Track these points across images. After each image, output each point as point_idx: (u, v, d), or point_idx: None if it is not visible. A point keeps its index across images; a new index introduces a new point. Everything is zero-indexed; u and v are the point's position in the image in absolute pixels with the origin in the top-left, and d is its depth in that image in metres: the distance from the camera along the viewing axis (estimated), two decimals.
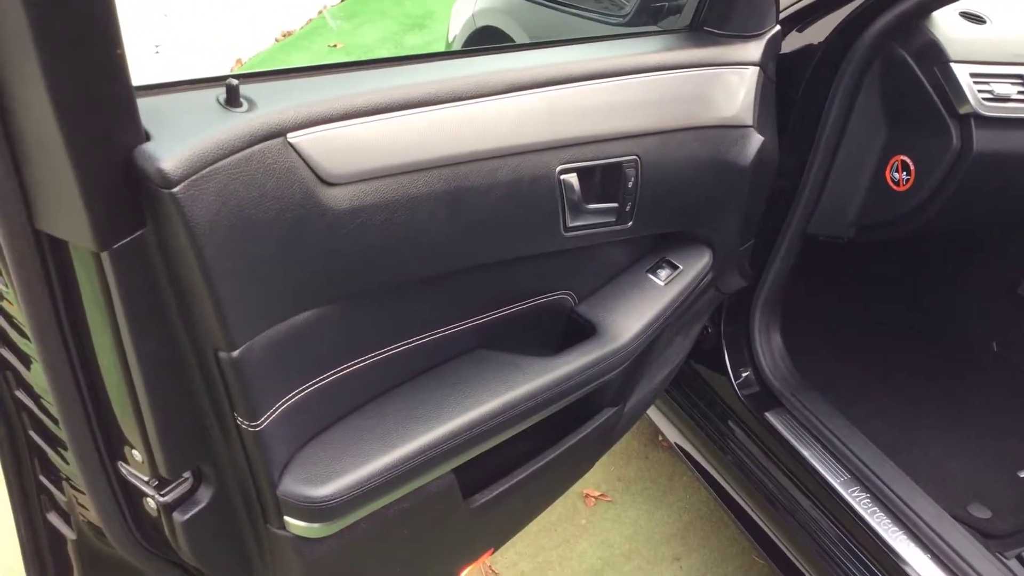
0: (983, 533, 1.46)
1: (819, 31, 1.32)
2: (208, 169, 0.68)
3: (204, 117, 0.72)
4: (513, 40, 1.77)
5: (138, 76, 0.63)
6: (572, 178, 0.99)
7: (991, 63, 1.33)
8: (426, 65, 0.92)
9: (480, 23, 1.96)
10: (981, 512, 1.52)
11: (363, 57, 4.20)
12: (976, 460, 1.62)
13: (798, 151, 1.40)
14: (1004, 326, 1.88)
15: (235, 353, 0.75)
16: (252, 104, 0.75)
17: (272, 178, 0.74)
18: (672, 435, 1.71)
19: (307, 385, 0.87)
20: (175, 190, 0.66)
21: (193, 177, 0.67)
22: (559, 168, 0.97)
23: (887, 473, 1.40)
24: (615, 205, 1.05)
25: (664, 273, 1.19)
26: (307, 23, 4.66)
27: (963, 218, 1.54)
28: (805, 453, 1.44)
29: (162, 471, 0.79)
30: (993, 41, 1.34)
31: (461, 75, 0.90)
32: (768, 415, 1.49)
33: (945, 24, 1.33)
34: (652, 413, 1.75)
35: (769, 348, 1.54)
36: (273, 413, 0.82)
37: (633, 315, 1.13)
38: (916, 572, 1.25)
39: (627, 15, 1.20)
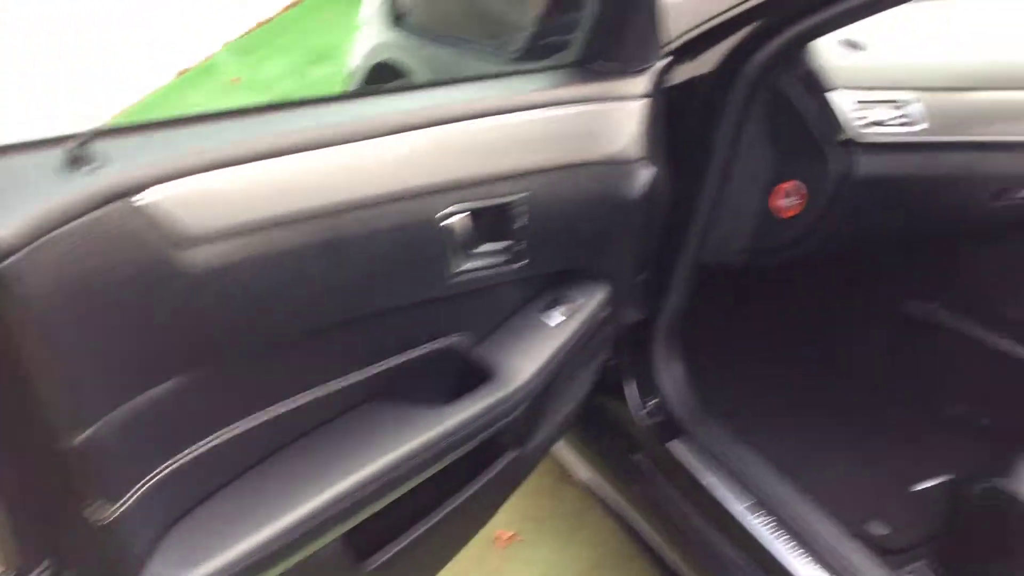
0: (882, 549, 1.49)
1: (707, 62, 1.34)
2: (43, 239, 0.63)
3: (43, 181, 0.66)
4: (410, 74, 1.75)
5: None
6: (459, 221, 0.96)
7: (869, 89, 1.36)
8: (304, 110, 0.89)
9: (380, 57, 1.93)
10: (879, 529, 1.55)
11: (265, 91, 4.12)
12: (873, 478, 1.66)
13: (690, 180, 1.41)
14: (893, 344, 1.94)
15: (80, 437, 0.69)
16: (104, 162, 0.70)
17: (121, 243, 0.68)
18: (581, 470, 1.69)
19: (174, 460, 0.81)
20: (3, 264, 0.60)
21: (26, 249, 0.62)
22: (445, 211, 0.94)
23: (789, 496, 1.41)
24: (506, 245, 1.03)
25: (560, 310, 1.17)
26: (206, 59, 4.55)
27: (850, 241, 1.58)
28: (709, 481, 1.44)
29: (14, 560, 0.72)
30: (871, 68, 1.38)
31: (338, 119, 0.87)
32: (672, 445, 1.49)
33: (825, 52, 1.37)
34: (560, 449, 1.73)
35: (671, 377, 1.54)
36: (131, 498, 0.76)
37: (529, 356, 1.11)
38: None
39: (518, 51, 1.19)
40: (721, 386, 1.72)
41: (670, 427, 1.52)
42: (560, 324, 1.16)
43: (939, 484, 1.65)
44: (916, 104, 1.37)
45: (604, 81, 1.15)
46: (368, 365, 0.99)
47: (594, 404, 1.61)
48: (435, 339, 1.06)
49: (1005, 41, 1.55)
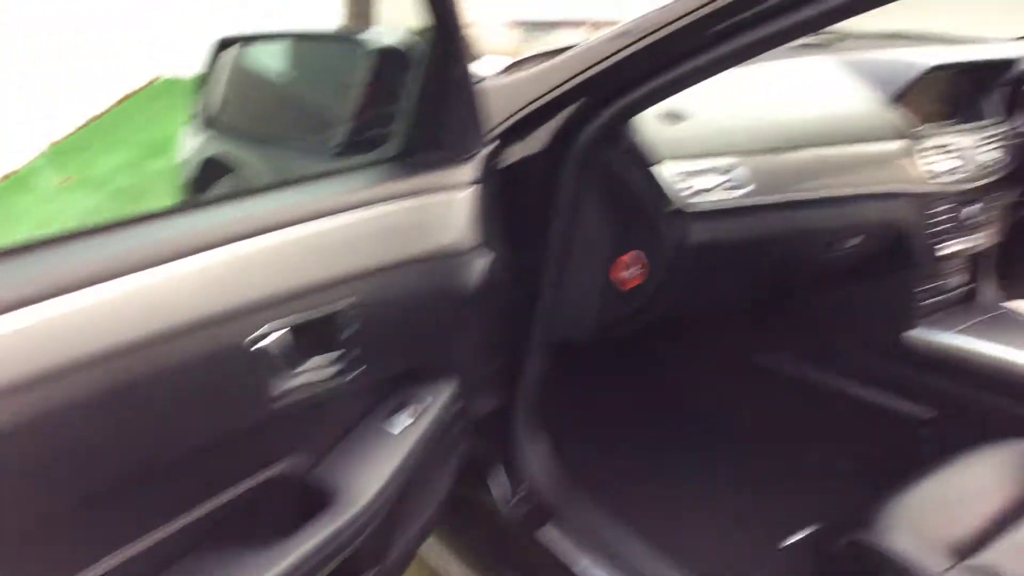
0: None
1: (536, 142, 1.34)
2: None
3: None
4: (239, 168, 1.68)
5: None
6: (280, 338, 0.89)
7: (693, 158, 1.40)
8: (84, 241, 0.80)
9: (205, 153, 1.86)
10: None
11: (101, 187, 3.91)
12: (743, 537, 1.66)
13: (531, 261, 1.40)
14: (748, 396, 1.99)
15: None
16: None
17: None
18: (453, 569, 1.62)
19: None
20: None
21: None
22: (258, 334, 0.87)
23: (662, 570, 1.39)
24: (337, 356, 0.96)
25: (405, 415, 1.11)
26: (32, 160, 4.30)
27: (694, 305, 1.61)
28: (582, 566, 1.40)
29: None
30: (693, 137, 1.42)
31: (126, 245, 0.79)
32: (543, 532, 1.44)
33: (648, 126, 1.39)
34: (431, 548, 1.65)
35: (536, 461, 1.50)
36: None
37: (373, 471, 1.04)
38: None
39: (337, 147, 1.15)
40: (588, 462, 1.70)
41: (539, 513, 1.48)
42: (406, 429, 1.09)
43: (806, 537, 1.67)
44: (740, 169, 1.42)
45: (429, 172, 1.12)
46: (190, 509, 0.89)
47: (461, 497, 1.55)
48: (265, 467, 0.97)
49: (819, 99, 1.64)
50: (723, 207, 1.40)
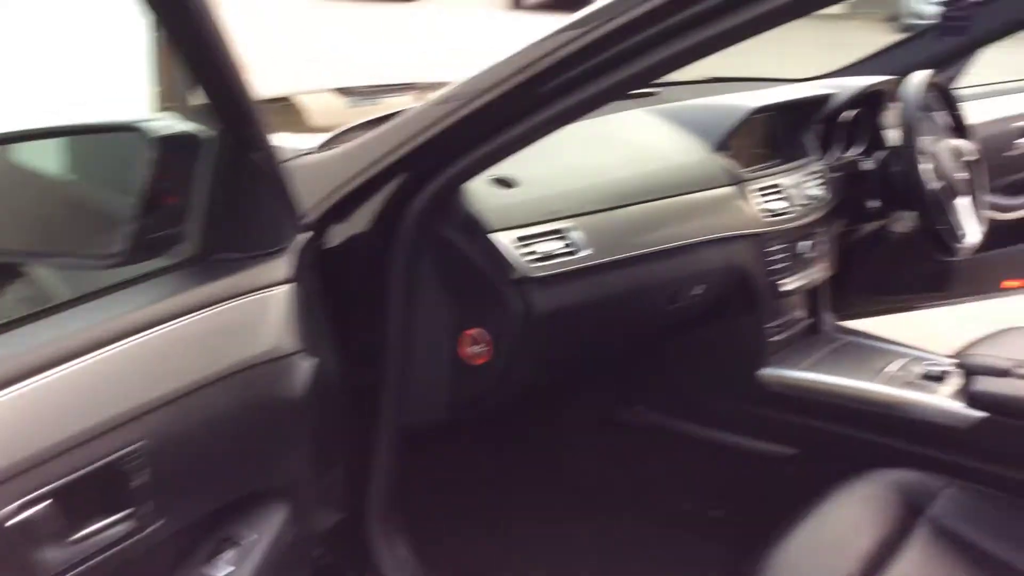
0: None
1: (362, 220, 1.24)
2: None
3: None
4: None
5: None
6: (41, 510, 0.73)
7: (530, 224, 1.33)
8: None
9: None
10: None
11: None
12: None
13: (371, 348, 1.29)
14: (614, 453, 1.94)
15: None
16: None
17: None
18: None
19: None
20: None
21: None
22: (11, 507, 0.71)
23: None
24: (127, 513, 0.81)
25: (229, 557, 0.96)
26: None
27: (551, 372, 1.55)
28: None
29: None
30: (527, 202, 1.36)
31: None
32: None
33: (479, 195, 1.32)
34: None
35: (395, 563, 1.38)
36: None
37: None
38: None
39: (119, 254, 0.99)
40: (453, 546, 1.60)
41: None
42: (234, 573, 0.94)
43: None
44: (576, 231, 1.37)
45: (231, 275, 0.98)
46: None
47: None
48: None
49: (646, 152, 1.63)
50: (565, 270, 1.34)
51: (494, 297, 1.31)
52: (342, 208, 1.23)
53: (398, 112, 1.22)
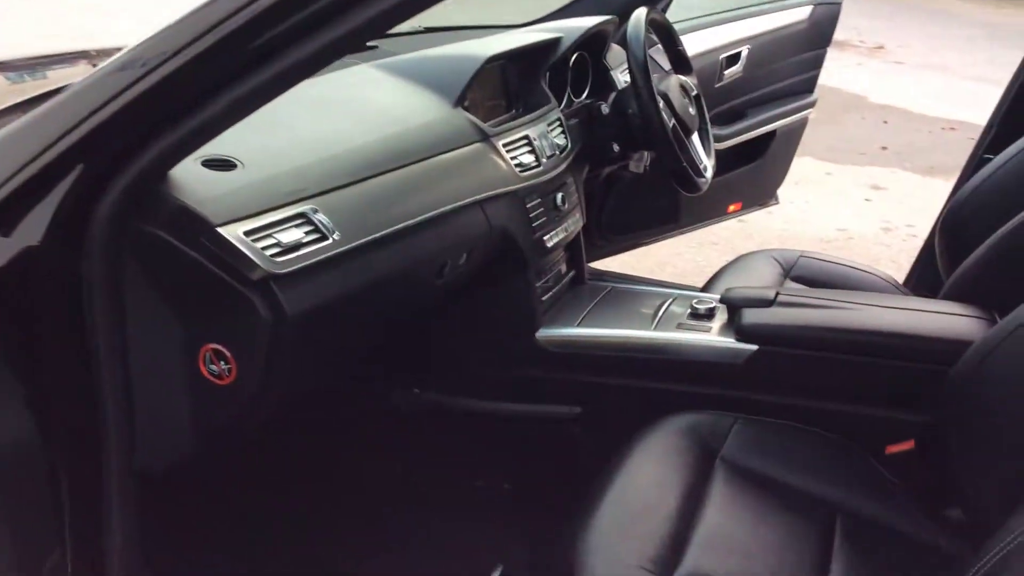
0: None
1: (32, 230, 0.96)
2: None
3: None
4: None
5: None
6: None
7: (264, 211, 1.11)
8: None
9: None
10: None
11: None
12: None
13: (77, 384, 1.04)
14: (398, 441, 1.79)
15: None
16: None
17: None
18: None
19: None
20: None
21: None
22: None
23: None
24: None
25: None
26: None
27: (320, 374, 1.35)
28: None
29: None
30: (255, 186, 1.13)
31: None
32: None
33: (192, 183, 1.07)
34: None
35: None
36: None
37: None
38: None
39: None
40: None
41: None
42: None
43: None
44: (321, 214, 1.16)
45: None
46: None
47: None
48: None
49: (382, 115, 1.44)
50: (316, 260, 1.14)
51: (232, 303, 1.09)
52: (5, 212, 0.95)
53: (66, 87, 0.95)
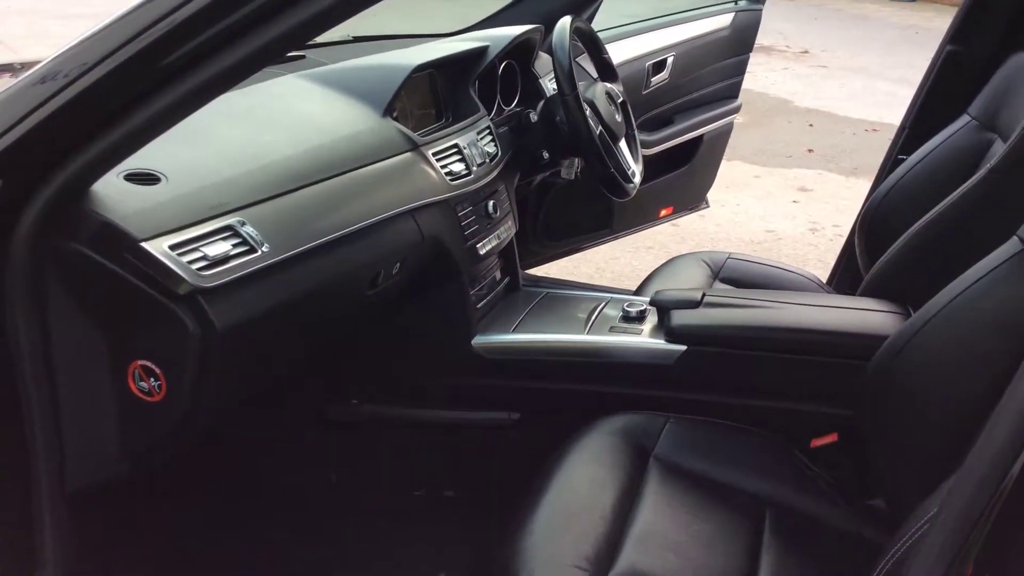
0: None
1: None
2: None
3: None
4: None
5: None
6: None
7: (189, 225, 1.10)
8: None
9: None
10: None
11: None
12: None
13: (5, 404, 1.03)
14: (335, 454, 1.79)
15: None
16: None
17: None
18: None
19: None
20: None
21: None
22: None
23: None
24: None
25: None
26: None
27: (252, 388, 1.34)
28: None
29: None
30: (179, 199, 1.12)
31: None
32: None
33: (114, 198, 1.06)
34: None
35: None
36: None
37: None
38: None
39: None
40: None
41: None
42: None
43: None
44: (248, 227, 1.16)
45: None
46: None
47: None
48: None
49: (308, 126, 1.44)
50: (244, 273, 1.13)
51: (159, 318, 1.07)
52: None
53: None
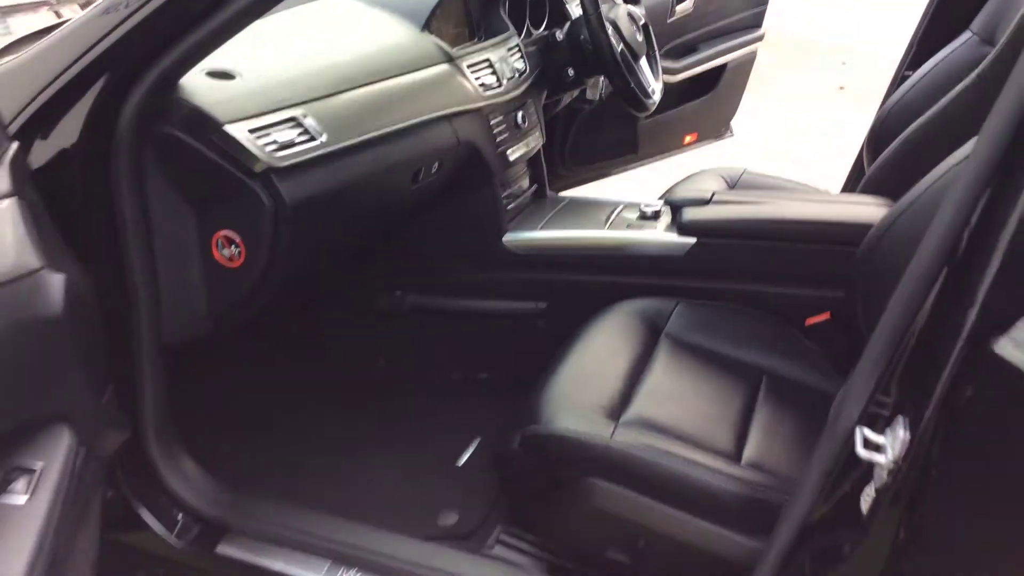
0: (461, 537, 1.51)
1: (68, 132, 1.14)
2: None
3: None
4: None
5: None
6: None
7: (261, 114, 1.30)
8: None
9: None
10: (449, 519, 1.57)
11: None
12: (420, 471, 1.68)
13: (111, 265, 1.22)
14: (380, 339, 1.99)
15: None
16: None
17: None
18: None
19: None
20: None
21: None
22: None
23: (358, 536, 1.36)
24: None
25: (20, 486, 0.89)
26: None
27: (310, 265, 1.54)
28: (279, 567, 1.32)
29: None
30: (252, 92, 1.32)
31: None
32: (220, 549, 1.33)
33: (200, 90, 1.26)
34: None
35: (185, 480, 1.35)
36: None
37: (9, 558, 0.82)
38: None
39: None
40: (243, 460, 1.58)
41: (209, 532, 1.34)
42: (30, 502, 0.87)
43: (477, 448, 1.74)
44: (309, 119, 1.35)
45: None
46: None
47: (123, 547, 1.35)
48: None
49: (357, 37, 1.63)
50: (307, 158, 1.33)
51: (239, 193, 1.28)
52: (37, 124, 1.12)
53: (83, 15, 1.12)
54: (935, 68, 1.98)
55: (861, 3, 7.57)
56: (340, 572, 1.30)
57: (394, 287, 1.92)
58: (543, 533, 1.46)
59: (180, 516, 1.36)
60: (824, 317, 1.66)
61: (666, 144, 2.93)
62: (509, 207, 1.92)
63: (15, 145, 1.00)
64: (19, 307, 0.90)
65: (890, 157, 1.77)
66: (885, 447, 0.89)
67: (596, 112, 2.54)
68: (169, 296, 1.31)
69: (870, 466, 0.93)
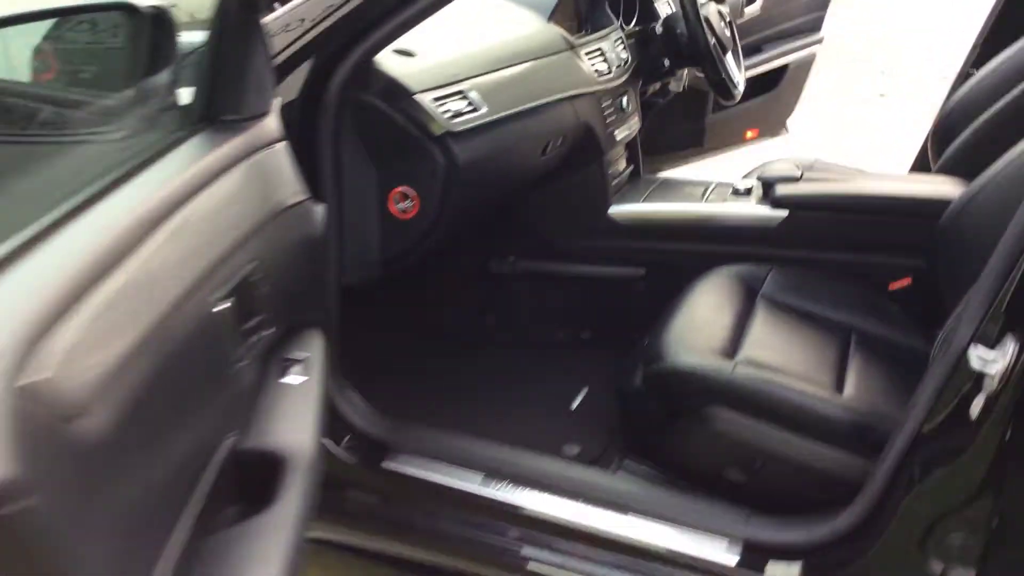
0: (587, 462, 1.70)
1: (288, 91, 1.35)
2: None
3: None
4: None
5: None
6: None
7: (439, 87, 1.51)
8: None
9: None
10: (572, 450, 1.76)
11: None
12: (538, 413, 1.86)
13: None
14: (492, 299, 2.19)
15: None
16: None
17: None
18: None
19: None
20: None
21: None
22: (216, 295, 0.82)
23: (505, 454, 1.54)
24: (259, 319, 0.93)
25: (297, 371, 1.09)
26: None
27: (463, 222, 1.74)
28: (436, 478, 1.50)
29: None
30: (429, 68, 1.53)
31: None
32: (385, 464, 1.52)
33: (389, 64, 1.47)
34: None
35: (352, 405, 1.54)
36: None
37: (302, 424, 1.03)
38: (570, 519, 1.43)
39: (122, 127, 1.04)
40: (398, 389, 1.76)
41: (375, 450, 1.53)
42: (306, 383, 1.08)
43: (586, 396, 1.93)
44: (473, 92, 1.57)
45: (243, 133, 1.08)
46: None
47: None
48: (218, 445, 0.91)
49: (501, 25, 1.85)
50: (474, 125, 1.54)
51: (419, 153, 1.49)
52: (281, 73, 1.33)
53: None
54: (1002, 65, 2.15)
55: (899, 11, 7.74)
56: (493, 483, 1.49)
57: (507, 253, 2.13)
58: (663, 459, 1.65)
59: (346, 439, 1.55)
60: (906, 282, 1.84)
61: (729, 138, 3.12)
62: (613, 183, 2.12)
63: (279, 99, 1.21)
64: (296, 228, 1.11)
65: (962, 144, 1.96)
66: (996, 359, 1.08)
67: (667, 107, 2.75)
68: (352, 242, 1.52)
69: (979, 379, 1.12)
